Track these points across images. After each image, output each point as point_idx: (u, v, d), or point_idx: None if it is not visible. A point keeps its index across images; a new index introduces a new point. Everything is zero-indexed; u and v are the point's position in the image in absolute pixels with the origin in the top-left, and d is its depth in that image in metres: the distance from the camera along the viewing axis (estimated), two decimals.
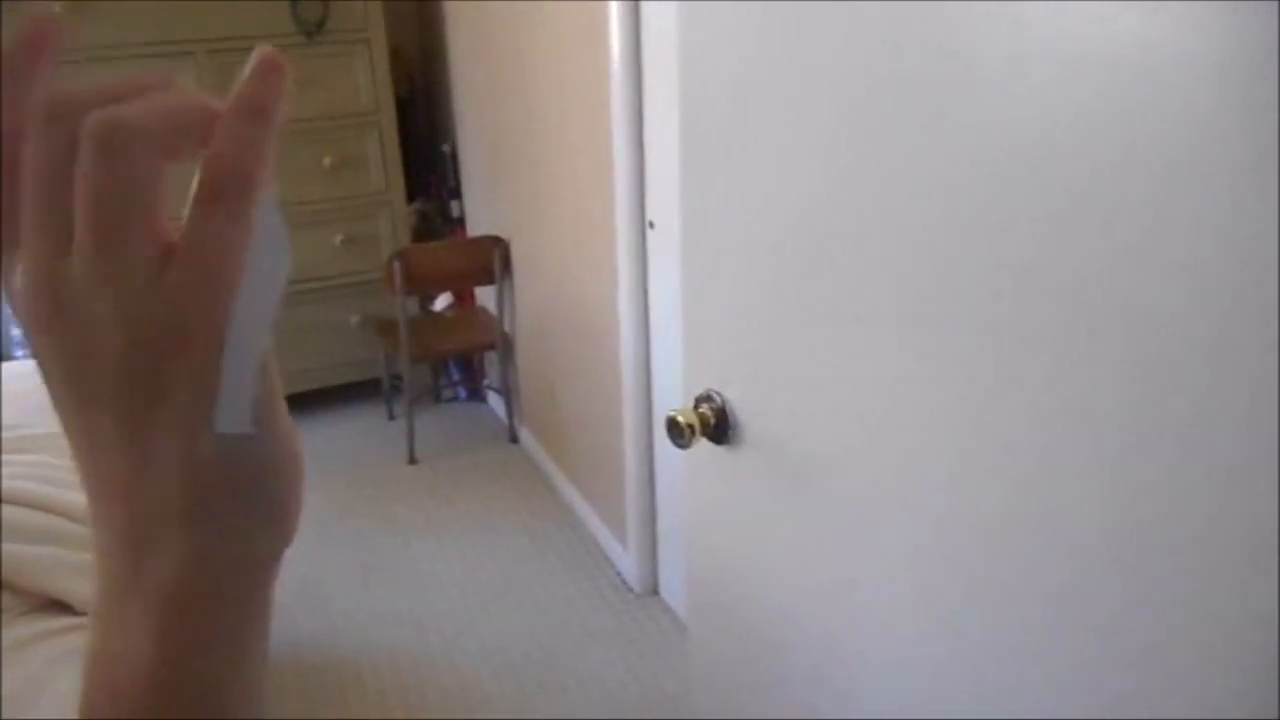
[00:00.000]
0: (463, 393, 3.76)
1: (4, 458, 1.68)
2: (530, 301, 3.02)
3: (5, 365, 2.38)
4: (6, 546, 1.41)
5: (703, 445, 1.13)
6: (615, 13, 2.09)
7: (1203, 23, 0.62)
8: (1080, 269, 0.73)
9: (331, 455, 3.31)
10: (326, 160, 3.24)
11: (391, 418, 3.54)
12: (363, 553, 2.78)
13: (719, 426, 1.10)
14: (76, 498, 1.55)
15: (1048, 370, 0.77)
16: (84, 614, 1.39)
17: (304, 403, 3.53)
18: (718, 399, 1.11)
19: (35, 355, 0.30)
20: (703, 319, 1.16)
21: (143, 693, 0.31)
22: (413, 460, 3.25)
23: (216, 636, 0.33)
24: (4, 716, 1.15)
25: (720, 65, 1.03)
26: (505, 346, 3.24)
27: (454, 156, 3.53)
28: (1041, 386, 0.78)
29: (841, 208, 0.93)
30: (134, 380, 0.29)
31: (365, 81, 3.24)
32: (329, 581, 2.65)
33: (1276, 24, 0.57)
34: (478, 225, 3.40)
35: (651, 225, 2.23)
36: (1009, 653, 0.88)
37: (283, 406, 0.32)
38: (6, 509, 1.49)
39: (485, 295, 3.42)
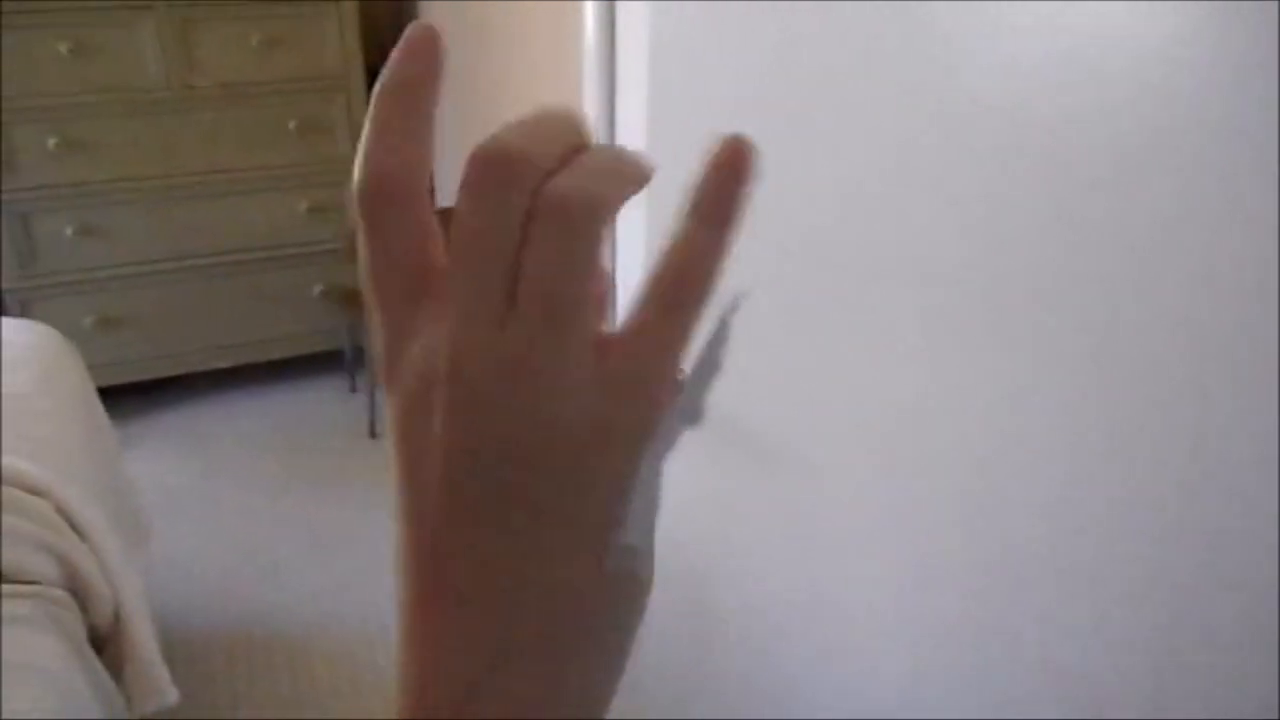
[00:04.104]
0: None
1: None
2: None
3: None
4: None
5: None
6: None
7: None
8: (1070, 268, 0.70)
9: (291, 426, 3.25)
10: (291, 124, 3.15)
11: (353, 390, 3.48)
12: (319, 526, 2.73)
13: None
14: (11, 461, 1.49)
15: (1025, 366, 0.74)
16: (17, 581, 1.34)
17: (264, 373, 3.46)
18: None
19: (410, 449, 0.27)
20: None
21: None
22: (373, 434, 3.20)
23: None
24: None
25: (692, 38, 0.99)
26: None
27: None
28: (1018, 380, 0.75)
29: (818, 199, 0.89)
30: (547, 479, 0.26)
31: (333, 44, 3.16)
32: (283, 555, 2.60)
33: None
34: (447, 197, 3.33)
35: None
36: (976, 645, 0.85)
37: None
38: None
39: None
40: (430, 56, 0.28)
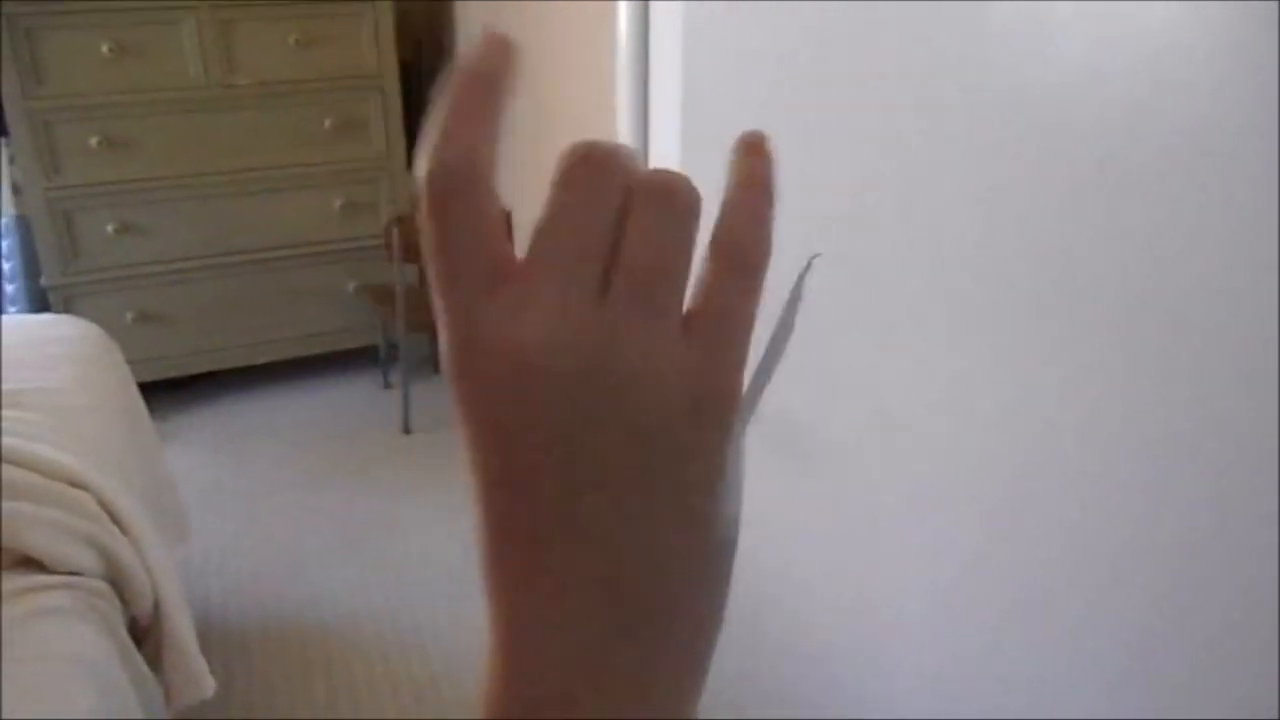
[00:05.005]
0: None
1: None
2: None
3: None
4: None
5: None
6: None
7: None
8: (1098, 261, 0.69)
9: (325, 423, 3.28)
10: (327, 122, 3.18)
11: (387, 387, 3.51)
12: (353, 521, 2.75)
13: None
14: (54, 454, 1.52)
15: (1067, 365, 0.73)
16: (58, 572, 1.36)
17: (299, 369, 3.49)
18: None
19: (493, 434, 0.27)
20: None
21: None
22: (407, 430, 3.22)
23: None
24: None
25: (724, 37, 0.98)
26: None
27: None
28: (1059, 379, 0.74)
29: (855, 196, 0.88)
30: (648, 453, 0.27)
31: (369, 44, 3.18)
32: (318, 550, 2.62)
33: None
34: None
35: None
36: (1016, 646, 0.84)
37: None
38: None
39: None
40: (505, 55, 0.29)
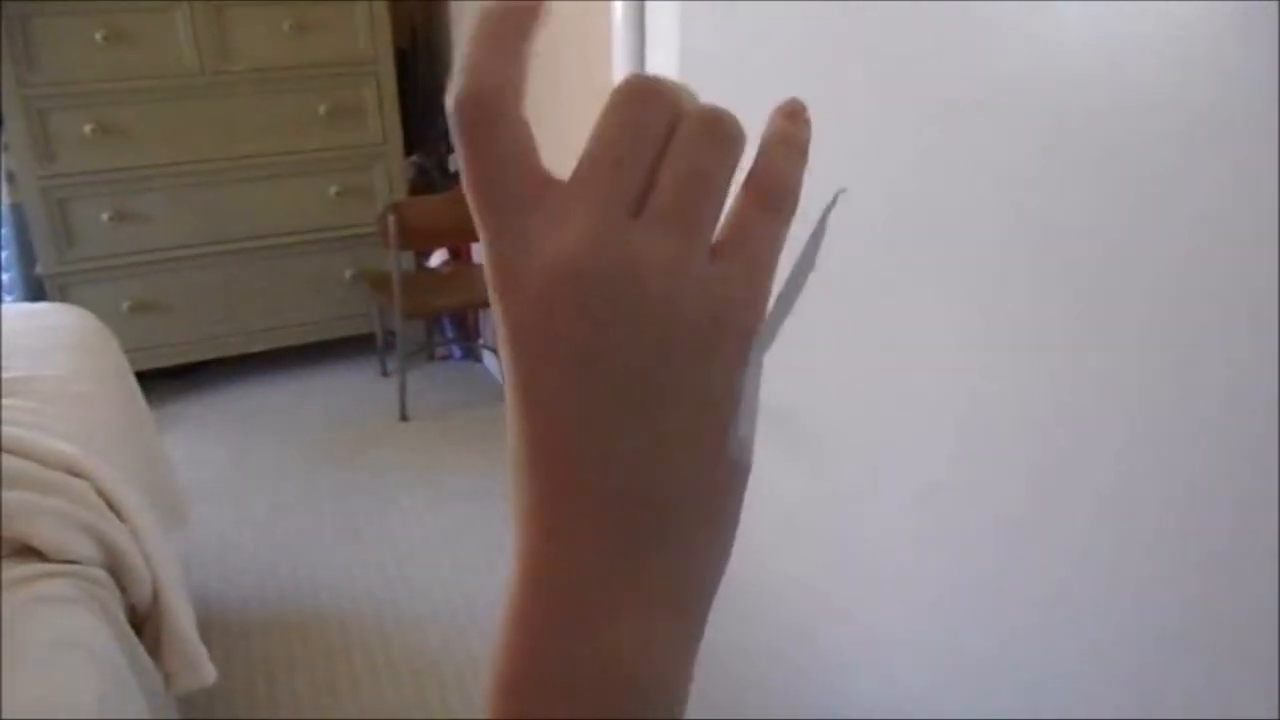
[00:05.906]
0: (457, 351, 3.72)
1: None
2: None
3: None
4: None
5: None
6: None
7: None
8: (1101, 255, 0.69)
9: (323, 410, 3.28)
10: (322, 108, 3.17)
11: (384, 374, 3.51)
12: (351, 508, 2.75)
13: None
14: (52, 443, 1.52)
15: (1074, 360, 0.73)
16: (57, 560, 1.36)
17: (296, 357, 3.49)
18: None
19: (532, 350, 0.28)
20: None
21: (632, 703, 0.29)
22: (404, 418, 3.22)
23: (695, 644, 0.31)
24: None
25: (720, 34, 0.98)
26: None
27: None
28: (1067, 374, 0.74)
29: (857, 194, 0.88)
30: (670, 372, 0.28)
31: (364, 29, 3.16)
32: (316, 537, 2.63)
33: None
34: None
35: None
36: (1018, 646, 0.84)
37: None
38: None
39: (482, 252, 3.37)
40: None
